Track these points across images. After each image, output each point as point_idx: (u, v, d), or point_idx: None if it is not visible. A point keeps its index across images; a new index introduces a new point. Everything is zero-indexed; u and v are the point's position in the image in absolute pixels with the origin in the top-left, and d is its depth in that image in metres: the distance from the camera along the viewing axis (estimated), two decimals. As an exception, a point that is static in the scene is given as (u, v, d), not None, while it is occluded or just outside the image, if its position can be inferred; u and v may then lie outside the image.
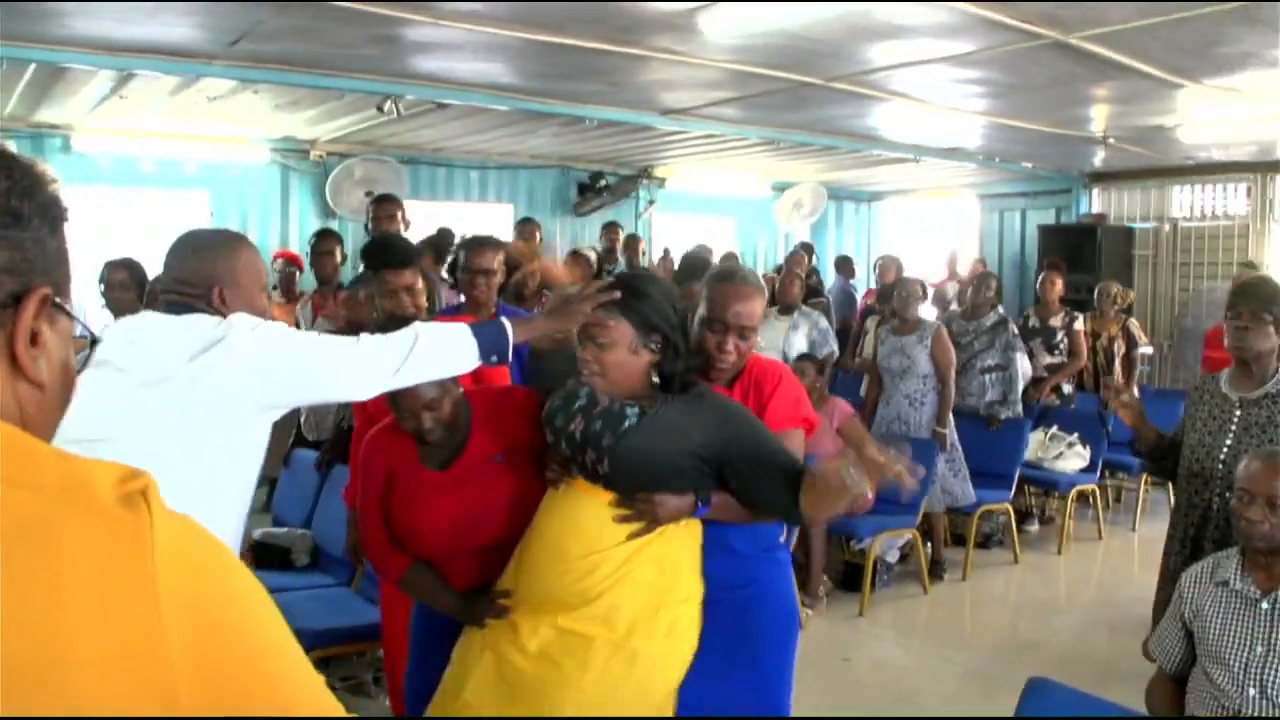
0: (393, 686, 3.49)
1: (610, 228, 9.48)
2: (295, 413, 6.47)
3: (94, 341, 3.68)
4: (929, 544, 6.18)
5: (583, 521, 2.48)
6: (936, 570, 6.13)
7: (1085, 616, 5.68)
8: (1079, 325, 7.43)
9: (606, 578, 2.43)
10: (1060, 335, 7.37)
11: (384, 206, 5.71)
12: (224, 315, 2.35)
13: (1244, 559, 2.97)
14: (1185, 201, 10.50)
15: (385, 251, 3.78)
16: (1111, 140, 8.19)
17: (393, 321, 2.77)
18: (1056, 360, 7.37)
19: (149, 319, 2.44)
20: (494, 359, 2.49)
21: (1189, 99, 6.33)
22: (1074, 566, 6.55)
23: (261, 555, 4.89)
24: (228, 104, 6.74)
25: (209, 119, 7.43)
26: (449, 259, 4.80)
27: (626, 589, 2.44)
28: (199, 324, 2.30)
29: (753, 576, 2.69)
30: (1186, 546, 3.61)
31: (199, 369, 2.22)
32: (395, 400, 2.60)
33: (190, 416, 2.23)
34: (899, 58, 5.40)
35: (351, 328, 5.26)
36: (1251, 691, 2.84)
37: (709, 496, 2.49)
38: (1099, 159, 9.55)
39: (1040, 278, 7.91)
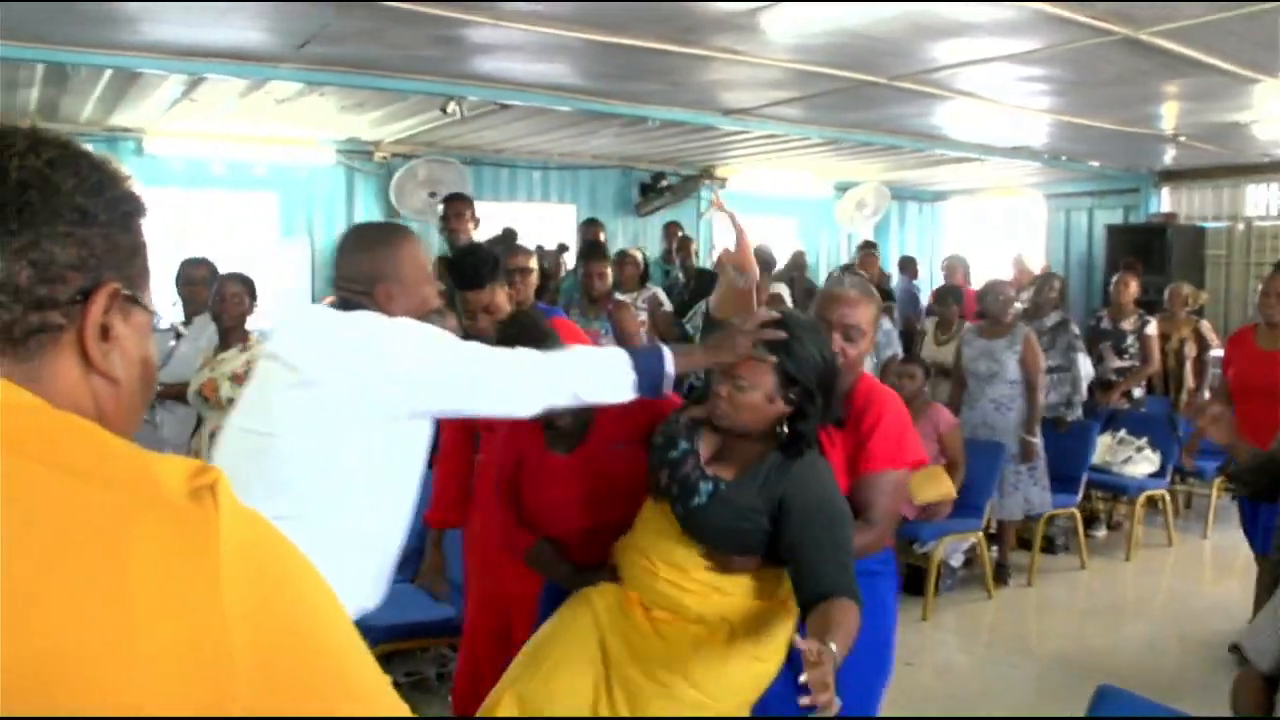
0: (458, 688, 3.53)
1: (671, 226, 9.48)
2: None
3: (178, 335, 3.77)
4: (994, 548, 6.10)
5: (673, 543, 2.50)
6: (1001, 575, 6.05)
7: (1154, 625, 5.58)
8: (1151, 330, 7.19)
9: (693, 595, 2.46)
10: (1131, 339, 7.20)
11: (453, 205, 5.76)
12: (390, 313, 2.36)
13: None
14: (1260, 200, 10.26)
15: (458, 272, 3.79)
16: (1182, 138, 8.03)
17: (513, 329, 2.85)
18: (1125, 364, 7.22)
19: (320, 314, 2.51)
20: (651, 392, 2.42)
21: (1265, 94, 6.19)
22: (1142, 573, 6.43)
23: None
24: (295, 106, 6.85)
25: (277, 121, 7.56)
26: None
27: (715, 603, 2.46)
28: (360, 324, 2.32)
29: None
30: None
31: (349, 370, 2.25)
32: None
33: (340, 417, 2.25)
34: (963, 56, 5.34)
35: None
36: None
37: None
38: (1169, 157, 9.38)
39: (1115, 279, 7.72)
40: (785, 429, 2.47)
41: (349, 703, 0.84)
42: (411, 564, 4.83)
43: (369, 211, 9.08)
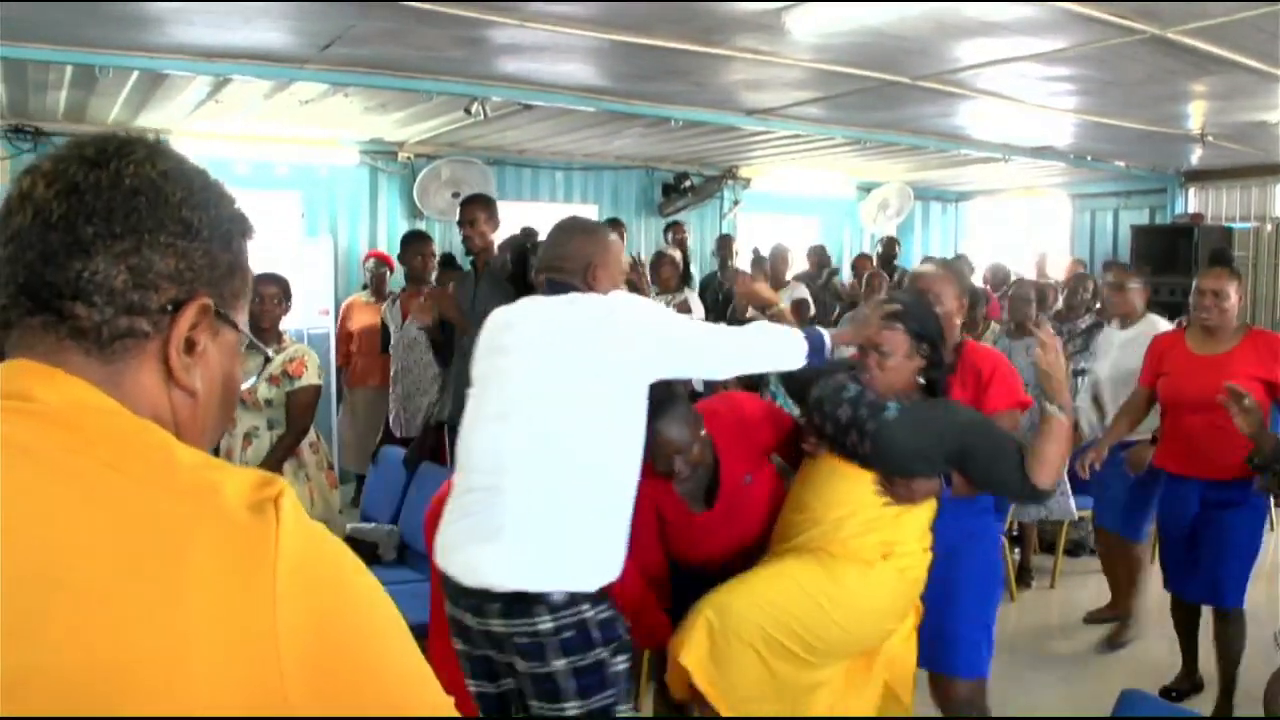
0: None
1: (675, 227, 9.47)
2: (384, 409, 6.59)
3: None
4: (1017, 550, 6.07)
5: (839, 486, 2.99)
6: (1024, 577, 6.02)
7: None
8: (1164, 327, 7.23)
9: (853, 532, 2.95)
10: None
11: (466, 211, 5.58)
12: (597, 293, 2.71)
13: None
14: (1288, 200, 10.18)
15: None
16: (1210, 137, 7.97)
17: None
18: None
19: (532, 304, 2.77)
20: (817, 361, 2.88)
21: (1293, 94, 6.15)
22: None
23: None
24: (319, 107, 6.89)
25: (301, 122, 7.60)
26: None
27: (871, 539, 2.94)
28: (580, 303, 2.67)
29: (964, 536, 3.19)
30: None
31: (592, 343, 2.58)
32: (653, 446, 2.80)
33: (587, 387, 2.56)
34: (987, 55, 5.33)
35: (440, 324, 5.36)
36: None
37: (950, 477, 3.00)
38: (1196, 157, 9.30)
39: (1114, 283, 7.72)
40: (923, 379, 3.07)
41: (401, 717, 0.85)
42: (430, 563, 4.88)
43: (392, 212, 9.13)
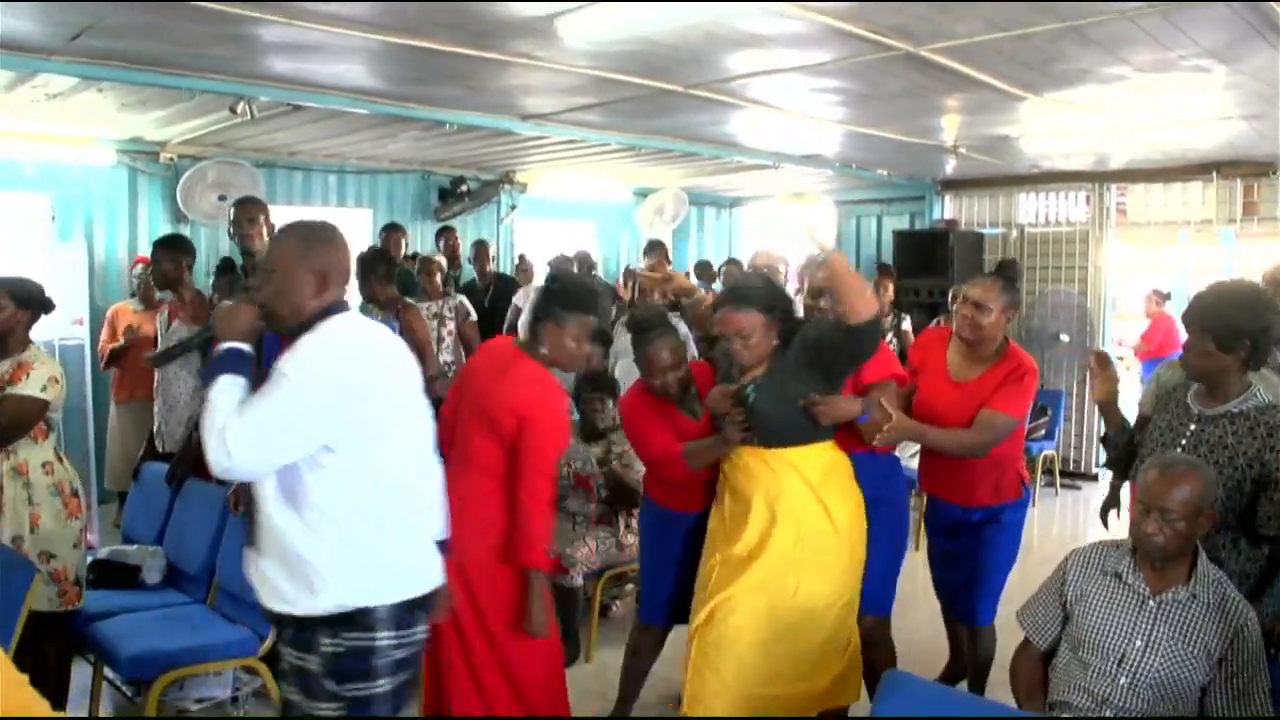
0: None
1: (446, 232, 9.42)
2: (149, 423, 6.21)
3: None
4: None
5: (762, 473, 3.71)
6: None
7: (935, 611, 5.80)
8: (906, 326, 7.91)
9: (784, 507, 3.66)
10: (890, 337, 7.72)
11: (246, 210, 5.46)
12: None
13: (1135, 556, 3.05)
14: (1031, 208, 10.91)
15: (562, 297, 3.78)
16: (961, 149, 8.46)
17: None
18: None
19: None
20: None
21: (1030, 111, 6.58)
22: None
23: (106, 575, 4.69)
24: (70, 102, 6.46)
25: (49, 118, 7.11)
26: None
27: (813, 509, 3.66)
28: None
29: (874, 501, 3.84)
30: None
31: None
32: (645, 366, 3.91)
33: None
34: (756, 66, 5.49)
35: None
36: (1123, 680, 2.96)
37: (871, 408, 3.68)
38: (950, 167, 9.85)
39: (873, 283, 8.26)
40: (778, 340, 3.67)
41: None
42: (200, 585, 4.66)
43: (154, 215, 8.65)
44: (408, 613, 2.69)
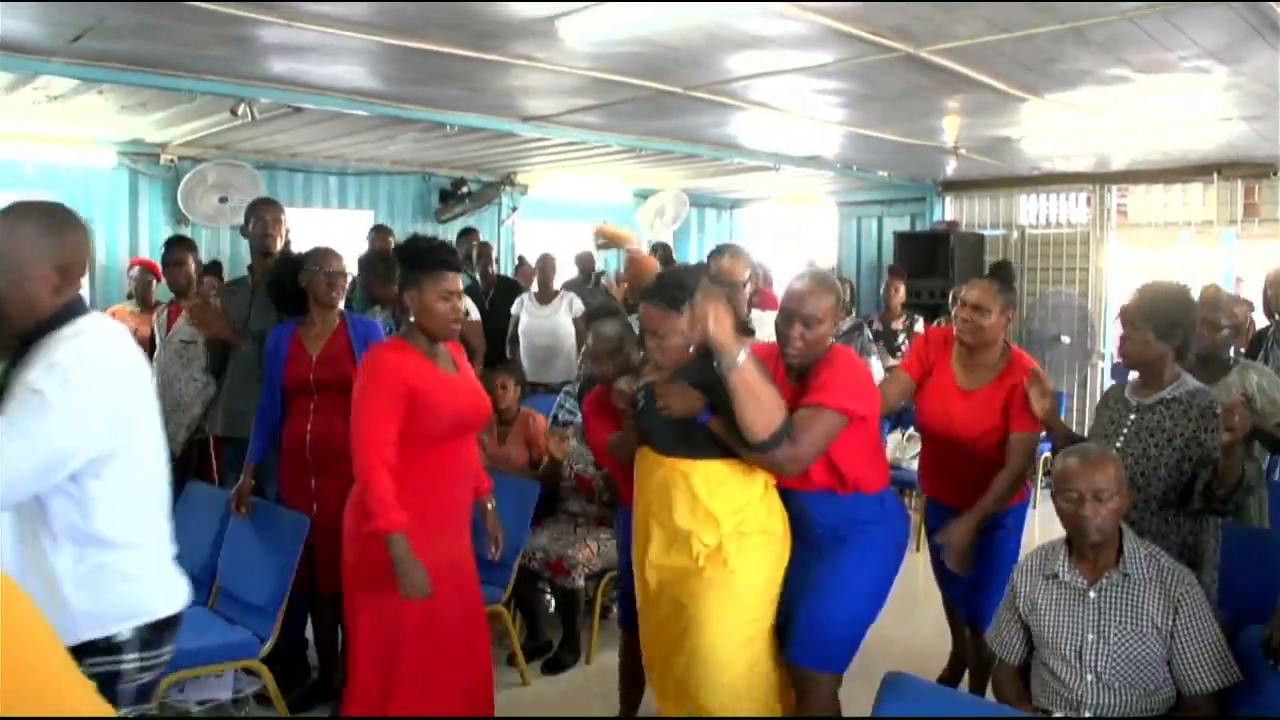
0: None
1: (470, 233, 9.40)
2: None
3: None
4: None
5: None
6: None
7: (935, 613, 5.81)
8: (919, 328, 7.72)
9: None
10: (902, 338, 7.64)
11: (271, 209, 5.39)
12: None
13: (1070, 551, 3.14)
14: (1031, 210, 10.93)
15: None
16: (962, 150, 8.45)
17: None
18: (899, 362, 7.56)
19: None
20: None
21: (1031, 112, 6.58)
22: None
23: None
24: (70, 104, 6.47)
25: (50, 119, 7.12)
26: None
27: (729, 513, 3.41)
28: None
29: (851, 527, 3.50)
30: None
31: None
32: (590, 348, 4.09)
33: None
34: (757, 68, 5.49)
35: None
36: (1089, 677, 3.00)
37: (711, 407, 3.31)
38: (951, 168, 9.86)
39: (884, 284, 8.21)
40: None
41: None
42: (202, 588, 4.65)
43: (155, 217, 8.66)
44: (155, 634, 2.48)
